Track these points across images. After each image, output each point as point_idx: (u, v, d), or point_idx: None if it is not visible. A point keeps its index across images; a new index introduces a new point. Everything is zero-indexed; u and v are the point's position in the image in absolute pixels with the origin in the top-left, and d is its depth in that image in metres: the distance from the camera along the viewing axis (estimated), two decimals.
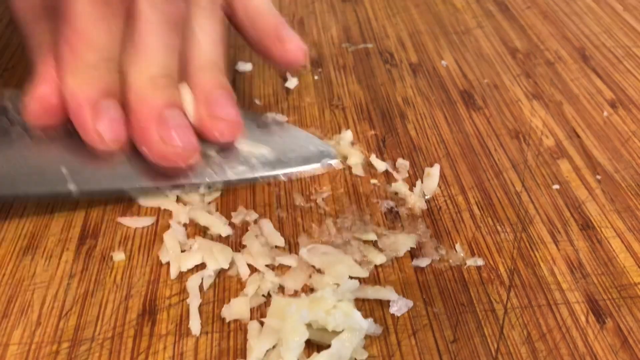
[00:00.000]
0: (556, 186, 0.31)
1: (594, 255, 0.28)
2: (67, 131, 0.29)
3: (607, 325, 0.25)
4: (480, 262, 0.27)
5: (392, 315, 0.25)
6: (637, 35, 0.44)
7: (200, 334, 0.24)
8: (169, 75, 0.29)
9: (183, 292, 0.26)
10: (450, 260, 0.27)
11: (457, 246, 0.28)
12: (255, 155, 0.31)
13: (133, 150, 0.29)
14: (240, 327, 0.25)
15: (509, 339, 0.24)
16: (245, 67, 0.40)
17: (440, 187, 0.31)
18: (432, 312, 0.25)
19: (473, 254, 0.28)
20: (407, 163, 0.32)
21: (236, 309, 0.25)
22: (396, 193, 0.31)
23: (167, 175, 0.29)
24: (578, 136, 0.35)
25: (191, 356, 0.24)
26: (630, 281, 0.26)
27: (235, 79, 0.39)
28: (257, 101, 0.37)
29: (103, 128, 0.27)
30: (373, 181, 0.31)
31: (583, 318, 0.25)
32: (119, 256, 0.27)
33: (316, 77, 0.39)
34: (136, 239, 0.28)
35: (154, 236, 0.28)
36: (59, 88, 0.28)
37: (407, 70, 0.40)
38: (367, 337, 0.24)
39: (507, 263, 0.27)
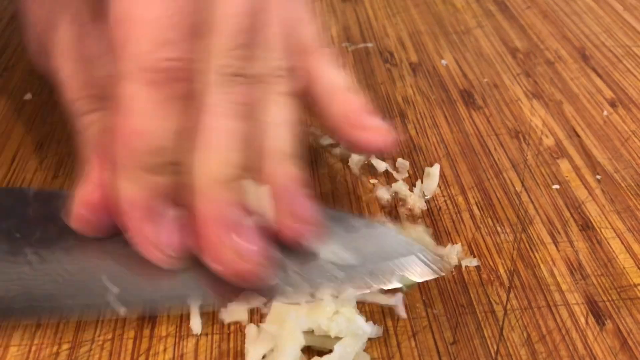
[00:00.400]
0: (556, 186, 0.31)
1: (593, 256, 0.28)
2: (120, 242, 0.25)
3: (607, 327, 0.25)
4: (475, 262, 0.27)
5: (392, 316, 0.25)
6: (637, 35, 0.44)
7: (200, 335, 0.24)
8: (242, 175, 0.24)
9: None
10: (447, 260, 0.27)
11: (449, 246, 0.28)
12: (338, 265, 0.25)
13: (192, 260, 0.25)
14: (239, 329, 0.25)
15: (509, 341, 0.24)
16: None
17: (440, 187, 0.31)
18: (432, 313, 0.25)
19: (473, 255, 0.28)
20: (407, 163, 0.32)
21: (235, 312, 0.25)
22: (396, 193, 0.31)
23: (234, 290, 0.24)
24: (578, 136, 0.34)
25: (191, 358, 0.24)
26: (630, 282, 0.26)
27: None
28: None
29: (162, 237, 0.24)
30: (373, 181, 0.31)
31: (583, 319, 0.25)
32: None
33: None
34: None
35: None
36: (109, 190, 0.24)
37: (407, 70, 0.40)
38: (368, 339, 0.24)
39: (506, 264, 0.27)
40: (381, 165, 0.32)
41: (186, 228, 0.24)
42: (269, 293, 0.24)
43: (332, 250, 0.25)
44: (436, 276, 0.25)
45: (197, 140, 0.24)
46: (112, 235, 0.25)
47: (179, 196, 0.24)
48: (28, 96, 0.37)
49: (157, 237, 0.24)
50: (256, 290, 0.24)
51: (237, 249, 0.23)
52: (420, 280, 0.25)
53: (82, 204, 0.25)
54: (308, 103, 0.29)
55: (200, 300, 0.25)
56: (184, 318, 0.25)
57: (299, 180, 0.26)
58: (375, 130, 0.28)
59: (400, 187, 0.31)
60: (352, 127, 0.28)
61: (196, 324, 0.24)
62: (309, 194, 0.26)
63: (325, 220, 0.26)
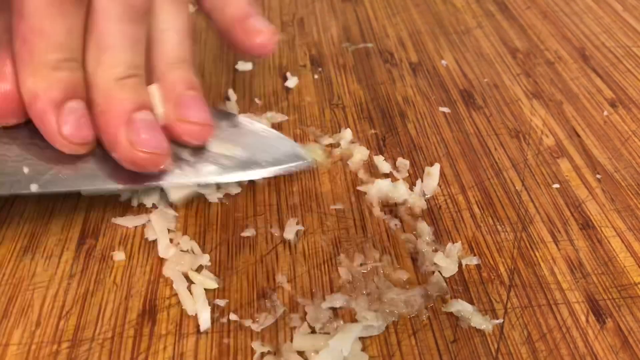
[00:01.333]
0: (556, 185, 0.31)
1: (594, 255, 0.27)
2: (29, 130, 0.27)
3: (608, 325, 0.25)
4: (475, 260, 0.27)
5: (392, 316, 0.25)
6: (637, 35, 0.44)
7: (200, 333, 0.24)
8: (136, 74, 0.27)
9: None
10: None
11: (449, 245, 0.28)
12: (227, 156, 0.30)
13: (100, 150, 0.27)
14: (240, 327, 0.25)
15: (509, 339, 0.24)
16: (245, 66, 0.40)
17: (440, 187, 0.31)
18: (432, 311, 0.25)
19: (473, 254, 0.28)
20: (407, 162, 0.32)
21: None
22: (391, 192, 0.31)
23: (134, 177, 0.28)
24: (578, 135, 0.34)
25: (191, 356, 0.24)
26: (631, 281, 0.26)
27: (235, 79, 0.39)
28: (257, 100, 0.37)
29: (68, 131, 0.26)
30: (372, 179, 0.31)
31: (583, 318, 0.25)
32: (119, 256, 0.27)
33: (316, 77, 0.39)
34: (136, 239, 0.28)
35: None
36: (18, 86, 0.26)
37: (407, 70, 0.40)
38: (368, 337, 0.24)
39: (507, 263, 0.27)
40: (385, 167, 0.32)
41: (87, 120, 0.26)
42: (161, 178, 0.28)
43: (219, 144, 0.30)
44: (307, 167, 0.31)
45: (92, 41, 0.26)
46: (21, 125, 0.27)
47: (81, 90, 0.27)
48: None
49: (59, 128, 0.26)
50: (150, 176, 0.28)
51: (130, 139, 0.26)
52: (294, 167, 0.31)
53: None
54: (202, 5, 0.32)
55: (102, 184, 0.27)
56: (184, 317, 0.25)
57: (190, 84, 0.29)
58: (263, 35, 0.31)
59: (401, 186, 0.31)
60: (243, 31, 0.31)
61: (205, 320, 0.24)
62: (200, 97, 0.28)
63: (214, 118, 0.29)
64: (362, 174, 0.32)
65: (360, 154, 0.33)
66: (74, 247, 0.28)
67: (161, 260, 0.27)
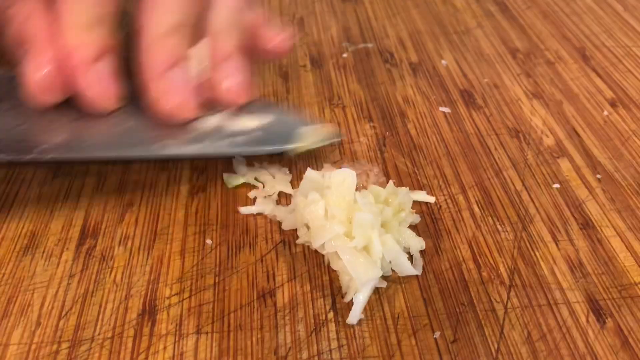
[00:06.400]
0: (556, 185, 0.31)
1: (594, 255, 0.27)
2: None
3: (608, 325, 0.25)
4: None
5: (393, 314, 0.25)
6: (637, 35, 0.44)
7: (200, 333, 0.24)
8: (182, 31, 0.28)
9: (183, 292, 0.26)
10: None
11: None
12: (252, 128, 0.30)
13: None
14: (240, 327, 0.25)
15: (510, 339, 0.24)
16: None
17: (440, 186, 0.31)
18: (433, 311, 0.25)
19: (473, 253, 0.28)
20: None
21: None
22: None
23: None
24: (578, 135, 0.34)
25: (191, 356, 0.24)
26: (631, 281, 0.26)
27: None
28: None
29: (103, 87, 0.28)
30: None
31: (583, 318, 0.25)
32: (119, 256, 0.27)
33: (316, 77, 0.39)
34: (136, 239, 0.28)
35: (154, 235, 0.28)
36: (58, 57, 0.27)
37: (407, 70, 0.40)
38: (368, 336, 0.24)
39: (507, 262, 0.27)
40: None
41: (115, 78, 0.28)
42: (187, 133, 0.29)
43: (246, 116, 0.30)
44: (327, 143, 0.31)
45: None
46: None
47: (117, 46, 0.28)
48: None
49: (102, 82, 0.28)
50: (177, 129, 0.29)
51: (173, 85, 0.28)
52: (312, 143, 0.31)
53: (38, 75, 0.27)
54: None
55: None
56: (185, 316, 0.25)
57: (236, 51, 0.30)
58: (277, 38, 0.32)
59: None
60: (261, 40, 0.32)
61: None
62: (242, 63, 0.30)
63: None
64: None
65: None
66: (74, 247, 0.28)
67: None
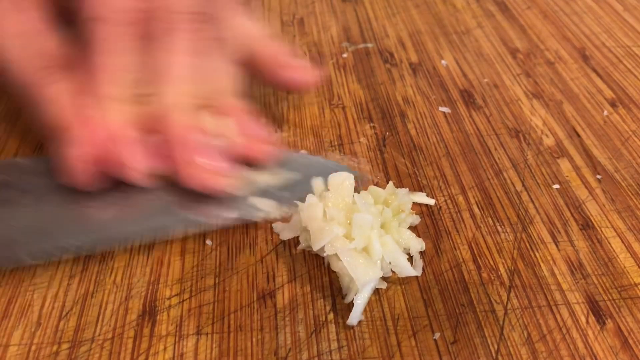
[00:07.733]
0: (556, 186, 0.31)
1: (594, 256, 0.27)
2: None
3: (608, 326, 0.25)
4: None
5: (393, 314, 0.25)
6: (637, 35, 0.44)
7: (200, 334, 0.24)
8: (195, 103, 0.28)
9: (183, 293, 0.26)
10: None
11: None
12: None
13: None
14: (240, 328, 0.25)
15: (509, 340, 0.24)
16: None
17: (440, 187, 0.31)
18: (432, 312, 0.25)
19: (473, 254, 0.28)
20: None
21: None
22: None
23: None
24: (578, 135, 0.34)
25: (191, 357, 0.24)
26: (631, 282, 0.26)
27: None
28: (255, 101, 0.37)
29: (143, 161, 0.27)
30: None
31: (583, 319, 0.25)
32: (119, 257, 0.27)
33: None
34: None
35: None
36: (96, 140, 0.27)
37: (407, 70, 0.40)
38: (368, 337, 0.24)
39: (507, 263, 0.27)
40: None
41: (151, 151, 0.28)
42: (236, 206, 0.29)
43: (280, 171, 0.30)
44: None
45: (159, 75, 0.28)
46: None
47: (146, 122, 0.28)
48: None
49: (138, 158, 0.27)
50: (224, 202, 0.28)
51: (200, 165, 0.27)
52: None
53: (79, 158, 0.27)
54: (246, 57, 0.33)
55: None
56: (185, 317, 0.25)
57: (245, 110, 0.30)
58: (300, 68, 0.33)
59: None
60: (280, 67, 0.33)
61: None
62: (258, 119, 0.30)
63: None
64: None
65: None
66: None
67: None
